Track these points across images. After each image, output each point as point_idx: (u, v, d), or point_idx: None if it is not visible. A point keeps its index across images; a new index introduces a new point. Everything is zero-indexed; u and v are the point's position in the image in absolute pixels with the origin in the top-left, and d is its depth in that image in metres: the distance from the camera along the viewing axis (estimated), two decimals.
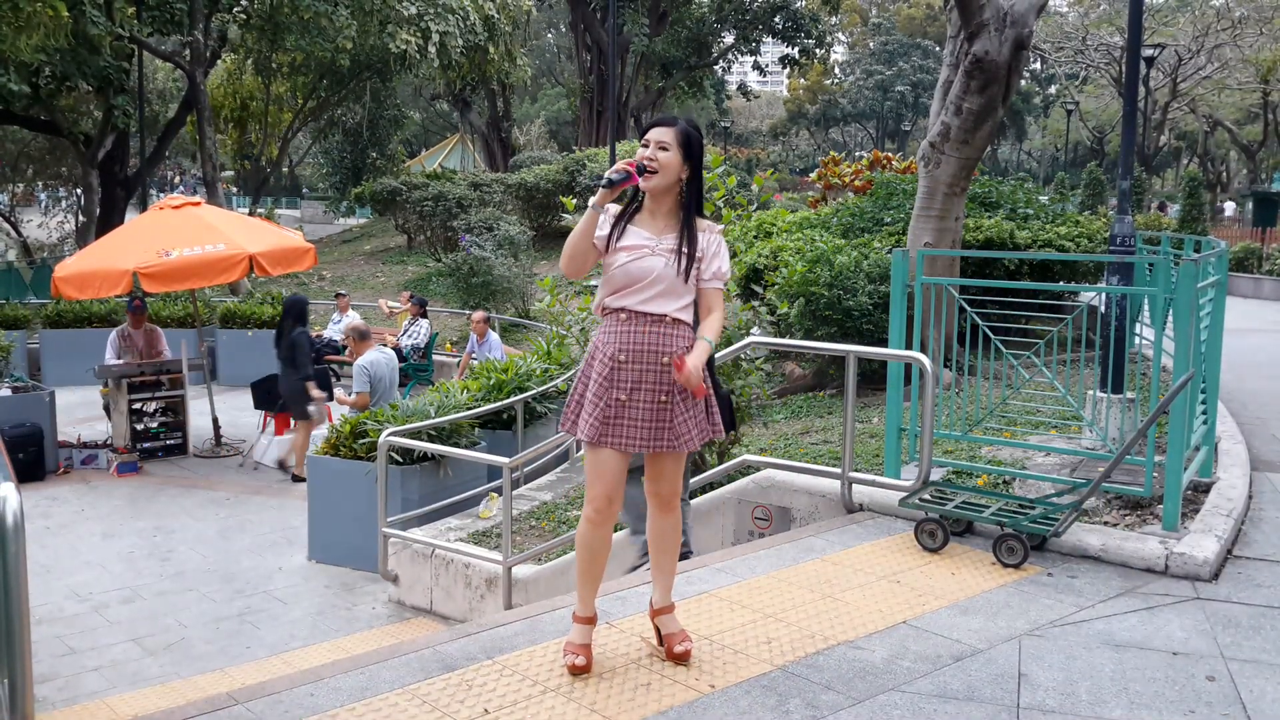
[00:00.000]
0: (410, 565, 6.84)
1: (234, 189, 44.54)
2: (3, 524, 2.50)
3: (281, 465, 10.04)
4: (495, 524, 6.91)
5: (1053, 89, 62.49)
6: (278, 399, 10.66)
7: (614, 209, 3.28)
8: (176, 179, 59.80)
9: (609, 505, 3.31)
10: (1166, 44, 31.25)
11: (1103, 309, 6.23)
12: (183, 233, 10.09)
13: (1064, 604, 3.94)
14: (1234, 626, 3.75)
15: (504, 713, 3.05)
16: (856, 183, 15.68)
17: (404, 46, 22.71)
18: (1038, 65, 54.10)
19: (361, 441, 7.54)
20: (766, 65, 38.60)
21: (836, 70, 71.86)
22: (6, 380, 11.09)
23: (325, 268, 24.08)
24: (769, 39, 36.19)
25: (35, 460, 9.93)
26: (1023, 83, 43.42)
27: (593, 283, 6.78)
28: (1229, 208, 39.59)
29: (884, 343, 6.40)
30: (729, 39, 35.97)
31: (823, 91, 69.60)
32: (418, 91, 39.08)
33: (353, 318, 13.74)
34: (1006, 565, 4.33)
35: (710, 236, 3.31)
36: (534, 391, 8.31)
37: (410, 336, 13.21)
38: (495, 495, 7.26)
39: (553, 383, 8.52)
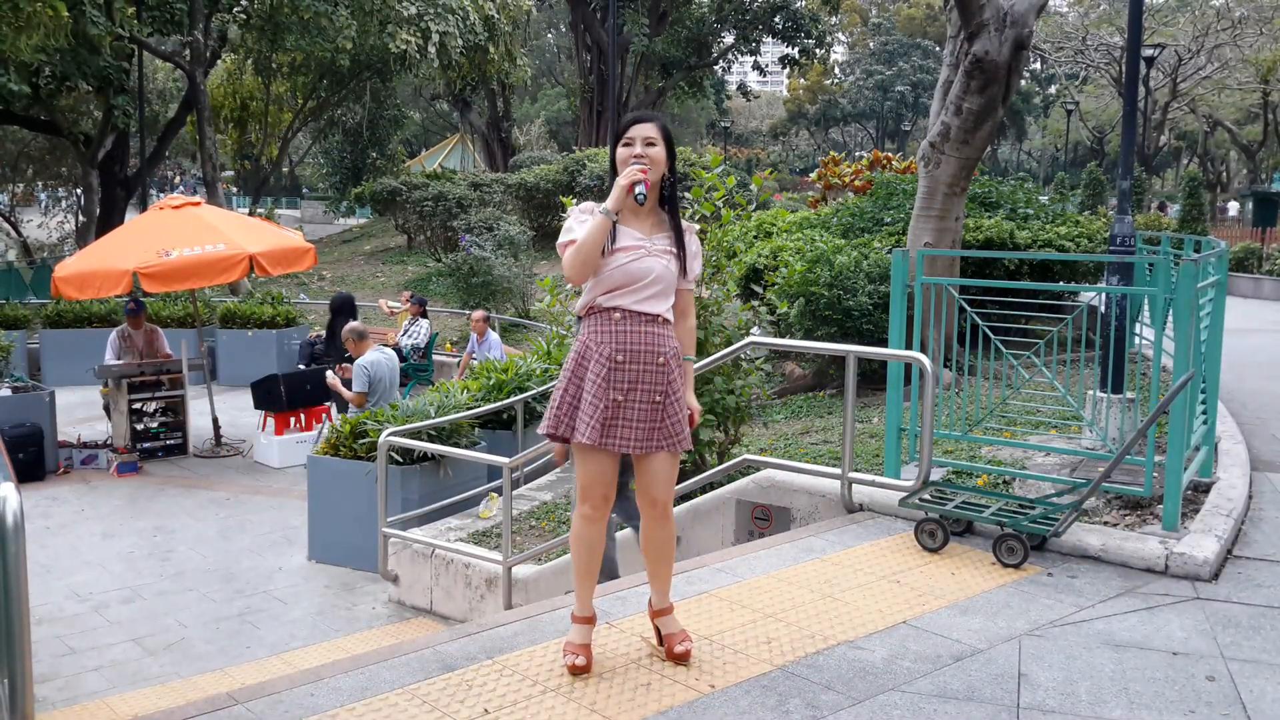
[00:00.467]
0: (410, 565, 6.84)
1: (234, 189, 44.58)
2: (3, 524, 2.49)
3: None
4: (495, 524, 6.91)
5: (1053, 89, 62.50)
6: (278, 399, 10.67)
7: (596, 206, 3.27)
8: (176, 179, 59.80)
9: (604, 504, 3.33)
10: (1166, 44, 31.25)
11: (1103, 309, 6.23)
12: (183, 233, 10.09)
13: (1064, 604, 3.94)
14: (1234, 626, 3.75)
15: (504, 713, 3.05)
16: (856, 183, 15.68)
17: (404, 46, 22.72)
18: (1038, 65, 54.12)
19: (361, 441, 7.54)
20: (766, 65, 38.60)
21: (836, 70, 71.87)
22: (6, 380, 11.09)
23: (325, 268, 24.09)
24: (769, 39, 36.18)
25: (35, 460, 9.93)
26: (1023, 83, 43.42)
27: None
28: (1232, 207, 39.59)
29: (884, 343, 6.40)
30: (729, 39, 35.98)
31: (823, 91, 69.60)
32: (418, 91, 39.08)
33: None
34: (1006, 565, 4.32)
35: (691, 237, 3.35)
36: (534, 391, 8.30)
37: (410, 336, 13.19)
38: (495, 495, 7.26)
39: (553, 383, 8.52)
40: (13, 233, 33.47)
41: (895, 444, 5.25)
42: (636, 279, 3.20)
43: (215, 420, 11.18)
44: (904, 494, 4.82)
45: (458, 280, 17.65)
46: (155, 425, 10.91)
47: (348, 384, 9.13)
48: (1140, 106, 25.01)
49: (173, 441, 11.00)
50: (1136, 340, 6.75)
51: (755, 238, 11.86)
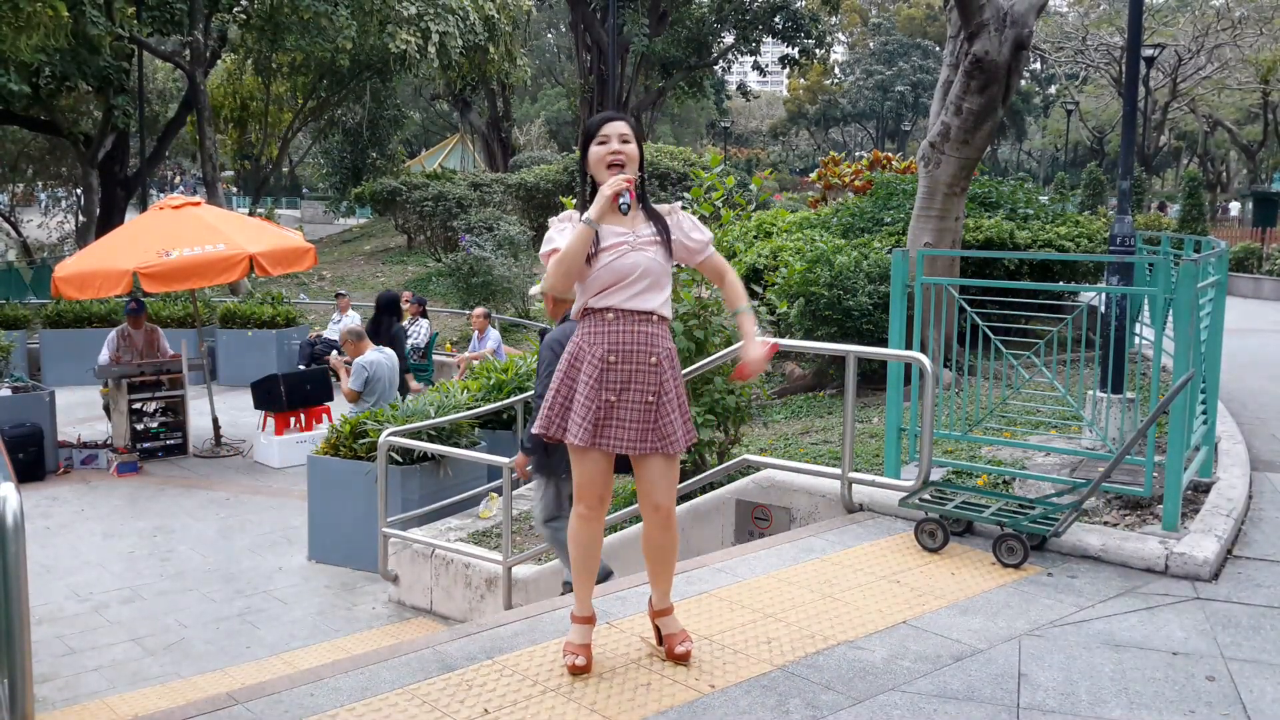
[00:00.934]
0: (410, 565, 6.84)
1: (234, 189, 44.57)
2: (3, 524, 2.50)
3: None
4: (495, 524, 6.91)
5: (1053, 89, 62.50)
6: (278, 399, 10.66)
7: (576, 214, 3.27)
8: (176, 179, 59.80)
9: (600, 504, 3.33)
10: (1166, 44, 31.25)
11: (1103, 309, 6.23)
12: (183, 233, 10.09)
13: (1064, 604, 3.94)
14: (1234, 626, 3.75)
15: (504, 713, 3.05)
16: (856, 183, 15.68)
17: (404, 46, 22.71)
18: (1038, 65, 54.12)
19: (361, 441, 7.54)
20: (766, 65, 38.57)
21: (836, 70, 71.87)
22: (6, 380, 11.09)
23: (325, 268, 24.09)
24: (769, 39, 36.14)
25: (35, 460, 9.93)
26: (1023, 83, 43.42)
27: None
28: (1234, 207, 39.56)
29: (884, 343, 6.40)
30: (729, 39, 35.94)
31: (823, 91, 69.61)
32: (418, 91, 39.09)
33: (353, 318, 13.75)
34: (1006, 565, 4.32)
35: (676, 216, 3.34)
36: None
37: (410, 336, 13.20)
38: (495, 495, 7.26)
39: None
40: (13, 233, 33.48)
41: (895, 444, 5.25)
42: (624, 275, 3.19)
43: (215, 420, 11.18)
44: (904, 494, 4.82)
45: (458, 280, 17.66)
46: (155, 425, 10.91)
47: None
48: (1140, 106, 25.02)
49: (173, 441, 11.00)
50: (1136, 340, 6.75)
51: (755, 238, 11.87)
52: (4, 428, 9.46)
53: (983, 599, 3.99)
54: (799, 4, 35.93)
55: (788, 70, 38.51)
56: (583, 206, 3.29)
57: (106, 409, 11.03)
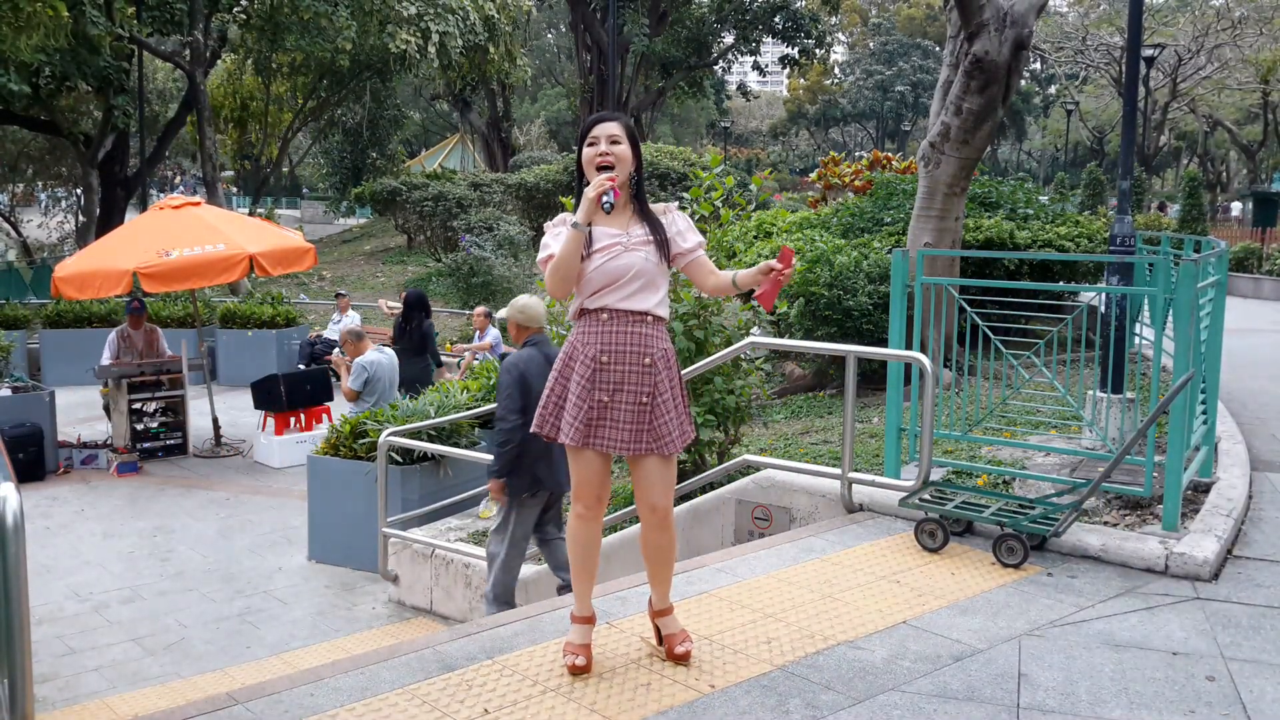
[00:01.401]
0: (410, 565, 6.84)
1: (234, 189, 44.55)
2: (3, 524, 2.50)
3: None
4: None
5: (1053, 89, 62.50)
6: (278, 399, 10.66)
7: (570, 217, 3.27)
8: (176, 179, 59.80)
9: (598, 504, 3.33)
10: (1166, 44, 31.24)
11: (1103, 309, 6.23)
12: (183, 233, 10.09)
13: (1064, 604, 3.94)
14: (1234, 626, 3.75)
15: (504, 713, 3.05)
16: (856, 183, 15.68)
17: (404, 46, 22.71)
18: (1038, 65, 54.13)
19: (361, 441, 7.54)
20: (766, 65, 38.57)
21: (836, 70, 71.88)
22: (6, 380, 11.09)
23: (325, 268, 24.09)
24: (769, 39, 36.15)
25: (35, 460, 9.93)
26: (1023, 83, 43.44)
27: None
28: (1235, 207, 39.55)
29: (884, 343, 6.40)
30: (729, 39, 35.95)
31: (823, 91, 69.61)
32: (418, 91, 39.08)
33: (353, 318, 13.76)
34: (1006, 565, 4.32)
35: (671, 216, 3.32)
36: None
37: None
38: None
39: None
40: (13, 233, 33.47)
41: (895, 444, 5.25)
42: (617, 277, 3.19)
43: (215, 420, 11.18)
44: (904, 494, 4.82)
45: (458, 280, 17.67)
46: (155, 425, 10.91)
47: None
48: (1140, 106, 25.02)
49: (173, 441, 11.00)
50: (1136, 340, 6.75)
51: (755, 238, 11.87)
52: (4, 428, 9.46)
53: (983, 599, 3.99)
54: (799, 4, 35.94)
55: (788, 70, 38.52)
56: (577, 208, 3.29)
57: (106, 409, 11.03)
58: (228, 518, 8.79)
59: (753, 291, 3.25)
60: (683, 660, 3.37)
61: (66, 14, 16.44)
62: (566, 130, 49.37)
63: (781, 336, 8.95)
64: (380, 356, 8.97)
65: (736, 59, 37.80)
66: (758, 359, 6.91)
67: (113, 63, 20.96)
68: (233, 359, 15.05)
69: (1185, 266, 4.59)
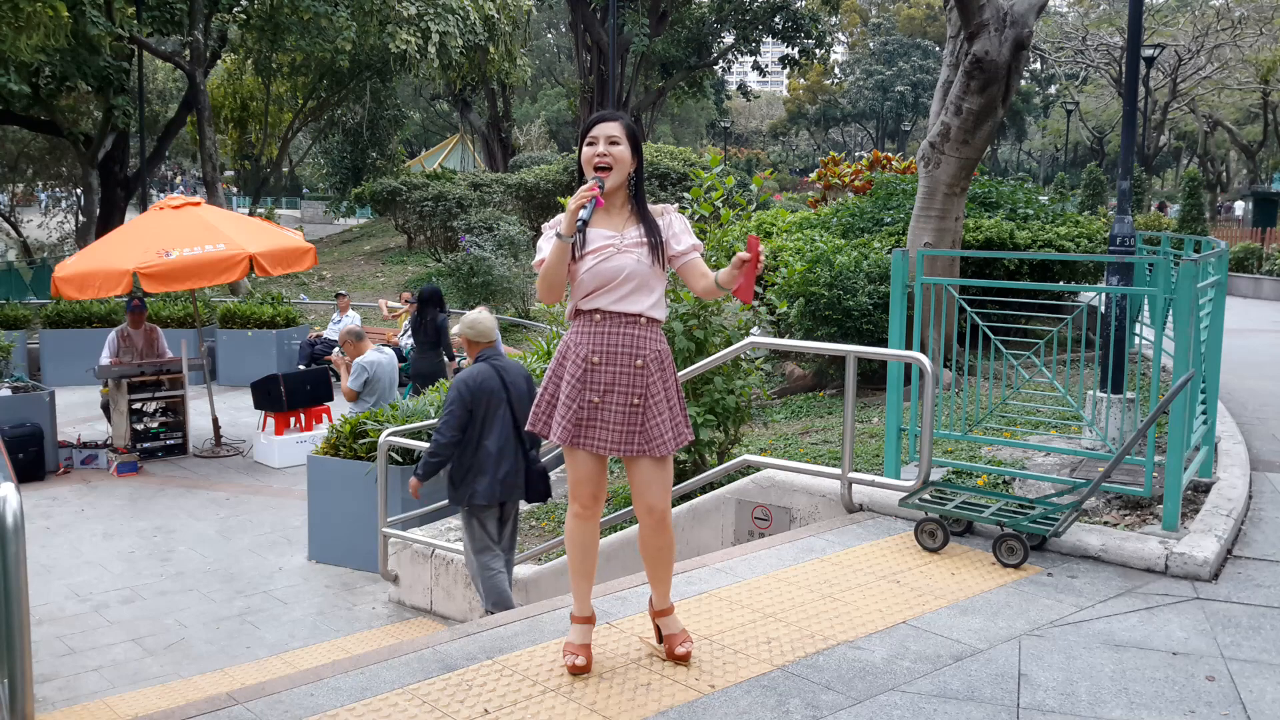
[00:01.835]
0: (410, 565, 6.84)
1: (234, 189, 44.55)
2: (3, 524, 2.50)
3: None
4: None
5: (1053, 89, 62.49)
6: (278, 399, 10.66)
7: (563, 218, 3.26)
8: (176, 179, 59.82)
9: (594, 503, 3.33)
10: (1166, 44, 31.25)
11: (1103, 309, 6.23)
12: (183, 233, 10.09)
13: (1064, 604, 3.94)
14: (1234, 626, 3.75)
15: (504, 713, 3.05)
16: (856, 183, 15.68)
17: (404, 46, 22.71)
18: (1038, 65, 54.10)
19: (361, 441, 7.54)
20: (766, 65, 38.58)
21: (836, 70, 71.89)
22: (6, 380, 11.09)
23: (325, 268, 24.09)
24: (769, 39, 36.14)
25: (35, 460, 9.93)
26: (1023, 83, 43.43)
27: None
28: (1238, 207, 39.54)
29: (884, 343, 6.40)
30: (729, 39, 35.93)
31: (823, 91, 69.63)
32: (418, 91, 39.09)
33: (353, 318, 13.76)
34: (1006, 565, 4.32)
35: (668, 218, 3.31)
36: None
37: (410, 336, 13.21)
38: None
39: None
40: (13, 233, 33.48)
41: (895, 444, 5.25)
42: (609, 279, 3.18)
43: (215, 420, 11.18)
44: (904, 494, 4.82)
45: (458, 280, 17.67)
46: (155, 425, 10.91)
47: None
48: (1140, 106, 25.01)
49: (173, 441, 11.00)
50: (1136, 340, 6.75)
51: None
52: (4, 428, 9.46)
53: (983, 599, 3.99)
54: (799, 4, 35.92)
55: (788, 70, 38.49)
56: None
57: (105, 409, 11.03)
58: (228, 518, 8.79)
59: (753, 292, 3.23)
60: (683, 660, 3.37)
61: (66, 14, 16.44)
62: (566, 130, 49.38)
63: (781, 336, 8.95)
64: (380, 356, 8.97)
65: (736, 59, 37.77)
66: (758, 359, 6.91)
67: (113, 63, 20.97)
68: (233, 359, 15.04)
69: (1185, 266, 4.59)
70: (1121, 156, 6.78)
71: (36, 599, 6.60)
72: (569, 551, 3.40)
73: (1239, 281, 19.69)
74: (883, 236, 10.19)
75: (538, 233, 25.01)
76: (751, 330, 6.88)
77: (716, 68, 39.04)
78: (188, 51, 21.34)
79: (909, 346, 5.32)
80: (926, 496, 4.75)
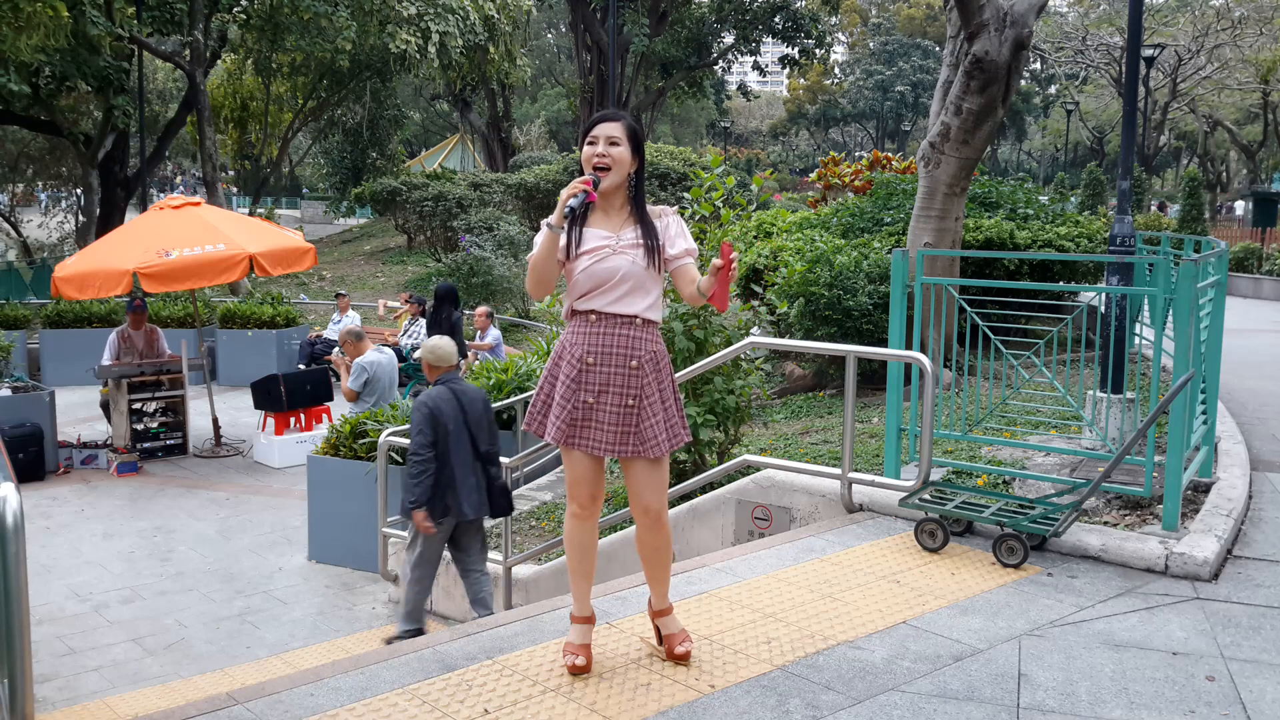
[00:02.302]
0: None
1: (234, 189, 44.54)
2: (3, 524, 2.50)
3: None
4: (495, 524, 6.90)
5: (1053, 89, 62.50)
6: (278, 399, 10.66)
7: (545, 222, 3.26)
8: (177, 179, 59.82)
9: (592, 503, 3.33)
10: (1166, 44, 31.25)
11: (1103, 309, 6.23)
12: (183, 233, 10.09)
13: (1064, 604, 3.94)
14: (1234, 626, 3.75)
15: (504, 713, 3.05)
16: (856, 183, 15.68)
17: (404, 46, 22.71)
18: (1038, 65, 54.11)
19: (361, 442, 7.54)
20: (766, 65, 38.56)
21: (836, 70, 71.90)
22: (6, 380, 11.09)
23: (325, 268, 24.09)
24: (769, 39, 36.13)
25: (35, 460, 9.93)
26: (1023, 83, 43.42)
27: None
28: (1239, 206, 39.55)
29: (884, 343, 6.39)
30: (729, 39, 35.93)
31: (823, 91, 69.64)
32: (418, 91, 39.09)
33: (353, 318, 13.76)
34: (1006, 565, 4.32)
35: (666, 220, 3.30)
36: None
37: (410, 336, 13.21)
38: None
39: None
40: (13, 233, 33.47)
41: (895, 444, 5.25)
42: (603, 280, 3.18)
43: (215, 420, 11.18)
44: (904, 494, 4.82)
45: (458, 280, 17.66)
46: (155, 425, 10.91)
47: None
48: (1140, 106, 25.02)
49: (173, 441, 11.00)
50: (1136, 340, 6.75)
51: (755, 238, 11.87)
52: (4, 428, 9.46)
53: (983, 599, 3.99)
54: (799, 4, 35.92)
55: (788, 70, 38.47)
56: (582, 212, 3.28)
57: (105, 408, 11.03)
58: (228, 518, 8.80)
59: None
60: (683, 660, 3.37)
61: (66, 14, 16.43)
62: (566, 130, 49.38)
63: (781, 336, 8.95)
64: (380, 357, 8.97)
65: (736, 59, 37.77)
66: (758, 359, 6.91)
67: (113, 63, 20.96)
68: (233, 359, 15.04)
69: (1185, 266, 4.59)
70: (1121, 156, 6.78)
71: (36, 599, 6.60)
72: (568, 551, 3.40)
73: (1239, 281, 19.70)
74: (883, 236, 10.20)
75: (537, 233, 25.26)
76: (751, 330, 6.88)
77: (716, 68, 39.03)
78: (188, 51, 21.33)
79: (909, 346, 5.32)
80: (926, 496, 4.75)
